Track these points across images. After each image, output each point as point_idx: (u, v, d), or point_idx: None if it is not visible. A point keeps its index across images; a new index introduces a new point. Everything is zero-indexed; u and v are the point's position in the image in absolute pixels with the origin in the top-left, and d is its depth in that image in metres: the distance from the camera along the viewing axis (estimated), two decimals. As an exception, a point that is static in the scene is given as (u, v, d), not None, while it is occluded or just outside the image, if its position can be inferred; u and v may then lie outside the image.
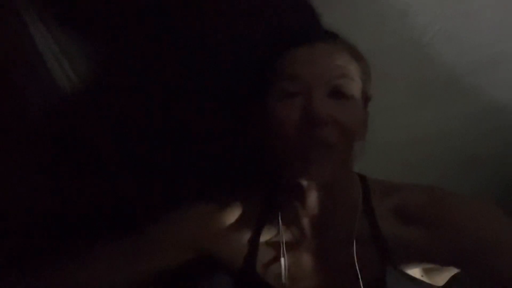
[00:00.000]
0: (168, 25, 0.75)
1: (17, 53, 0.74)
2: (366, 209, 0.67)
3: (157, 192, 0.81)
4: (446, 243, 0.61)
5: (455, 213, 0.62)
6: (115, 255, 0.69)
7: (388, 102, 0.80)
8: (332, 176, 0.63)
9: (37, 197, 0.75)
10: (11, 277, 0.66)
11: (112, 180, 0.79)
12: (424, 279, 0.66)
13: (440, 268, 0.65)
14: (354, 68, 0.66)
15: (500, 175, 1.02)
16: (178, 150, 0.81)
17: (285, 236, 0.68)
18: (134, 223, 0.71)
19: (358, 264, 0.63)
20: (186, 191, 0.75)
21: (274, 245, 0.69)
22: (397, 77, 0.86)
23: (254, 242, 0.69)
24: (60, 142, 0.78)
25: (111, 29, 0.77)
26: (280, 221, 0.69)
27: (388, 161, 0.90)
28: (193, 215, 0.72)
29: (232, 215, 0.72)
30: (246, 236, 0.70)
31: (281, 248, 0.67)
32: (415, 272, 0.65)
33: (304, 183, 0.65)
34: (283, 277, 0.65)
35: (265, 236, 0.70)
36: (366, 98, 0.70)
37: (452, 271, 0.67)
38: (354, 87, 0.65)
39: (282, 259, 0.66)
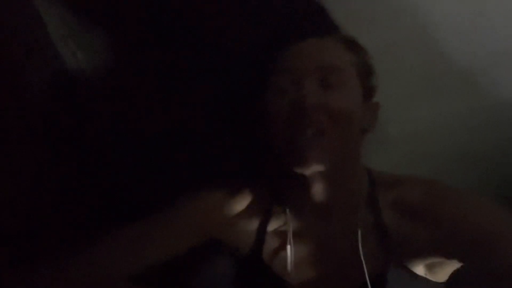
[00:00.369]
0: (171, 16, 0.75)
1: (24, 33, 0.74)
2: (370, 200, 0.68)
3: (164, 181, 0.81)
4: (446, 236, 0.62)
5: (454, 207, 0.63)
6: (123, 242, 0.69)
7: (395, 96, 0.81)
8: (329, 165, 0.64)
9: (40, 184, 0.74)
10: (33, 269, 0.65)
11: (118, 166, 0.78)
12: (428, 276, 0.66)
13: (442, 263, 0.65)
14: (347, 59, 0.68)
15: (501, 170, 1.03)
16: (185, 138, 0.82)
17: (292, 226, 0.69)
18: (142, 212, 0.70)
19: (362, 254, 0.63)
20: (193, 181, 0.75)
21: (281, 234, 0.69)
22: (406, 72, 0.87)
23: (261, 230, 0.70)
24: (64, 123, 0.77)
25: (117, 15, 0.77)
26: (287, 211, 0.70)
27: (393, 154, 0.91)
28: (202, 203, 0.72)
29: (241, 203, 0.72)
30: (254, 224, 0.71)
31: (288, 236, 0.67)
32: (419, 269, 0.65)
33: (306, 173, 0.65)
34: (288, 265, 0.65)
35: (272, 226, 0.71)
36: (367, 88, 0.70)
37: (454, 265, 0.67)
38: (345, 77, 0.66)
39: (289, 247, 0.66)
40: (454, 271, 0.69)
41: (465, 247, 0.60)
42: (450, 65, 0.87)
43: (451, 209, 0.63)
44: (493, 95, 0.93)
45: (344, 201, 0.69)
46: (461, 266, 0.66)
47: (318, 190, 0.68)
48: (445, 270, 0.68)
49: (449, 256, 0.63)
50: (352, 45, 0.70)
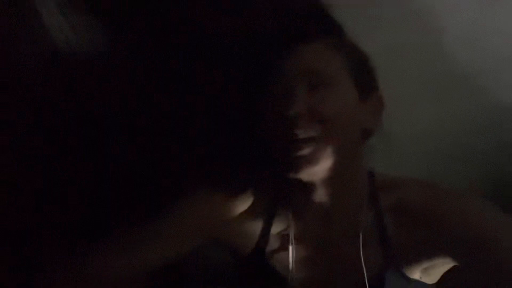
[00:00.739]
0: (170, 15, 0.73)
1: (12, 10, 0.70)
2: (371, 203, 0.68)
3: (167, 181, 0.79)
4: (446, 239, 0.63)
5: (454, 210, 0.64)
6: (125, 243, 0.68)
7: (397, 97, 0.82)
8: (324, 169, 0.64)
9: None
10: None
11: (118, 166, 0.76)
12: (422, 279, 0.67)
13: (436, 265, 0.67)
14: (336, 62, 0.67)
15: (501, 170, 1.06)
16: (186, 138, 0.80)
17: (294, 228, 0.69)
18: (145, 212, 0.69)
19: (363, 257, 0.64)
20: (196, 182, 0.74)
21: (284, 237, 0.70)
22: (409, 73, 0.87)
23: (265, 232, 0.70)
24: (55, 105, 0.74)
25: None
26: (290, 214, 0.70)
27: (395, 154, 0.91)
28: (204, 203, 0.72)
29: (243, 204, 0.72)
30: (256, 226, 0.71)
31: (290, 238, 0.68)
32: (415, 273, 0.66)
33: (301, 178, 0.65)
34: (290, 266, 0.65)
35: (275, 228, 0.71)
36: (363, 87, 0.69)
37: (447, 266, 0.68)
38: (334, 80, 0.65)
39: (291, 247, 0.67)
40: (446, 271, 0.70)
41: (465, 249, 0.61)
42: (452, 68, 0.88)
43: (451, 211, 0.64)
44: (494, 97, 0.93)
45: (345, 204, 0.69)
46: (453, 266, 0.67)
47: (318, 194, 0.68)
48: (438, 271, 0.69)
49: (449, 258, 0.64)
50: (340, 46, 0.69)
